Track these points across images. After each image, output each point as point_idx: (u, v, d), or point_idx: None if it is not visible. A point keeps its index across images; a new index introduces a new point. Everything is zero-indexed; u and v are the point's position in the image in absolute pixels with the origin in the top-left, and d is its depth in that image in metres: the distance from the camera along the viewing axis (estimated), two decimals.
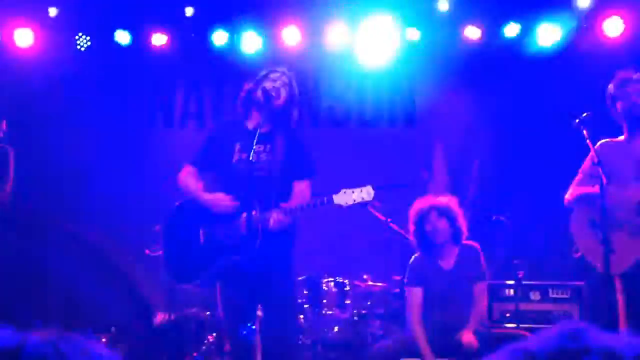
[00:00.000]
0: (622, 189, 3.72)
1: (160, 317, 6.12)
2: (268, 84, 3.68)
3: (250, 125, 3.72)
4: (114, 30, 6.90)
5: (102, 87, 7.27)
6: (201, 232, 3.65)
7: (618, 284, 3.58)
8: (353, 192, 3.43)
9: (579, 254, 3.91)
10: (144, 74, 7.29)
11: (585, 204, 3.83)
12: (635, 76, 3.81)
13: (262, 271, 3.52)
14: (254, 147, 3.55)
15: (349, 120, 7.22)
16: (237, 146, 3.60)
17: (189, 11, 6.73)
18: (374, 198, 3.44)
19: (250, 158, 3.53)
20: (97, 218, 7.12)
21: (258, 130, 3.57)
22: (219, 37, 6.88)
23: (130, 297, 6.99)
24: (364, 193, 3.43)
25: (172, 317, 5.76)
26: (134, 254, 6.90)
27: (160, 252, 3.94)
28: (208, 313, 5.79)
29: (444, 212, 4.23)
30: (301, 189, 3.59)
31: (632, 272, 3.60)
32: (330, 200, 3.42)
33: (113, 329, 5.98)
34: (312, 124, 7.14)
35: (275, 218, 3.41)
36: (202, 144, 3.84)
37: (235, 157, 3.54)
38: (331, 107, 7.23)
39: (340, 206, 3.42)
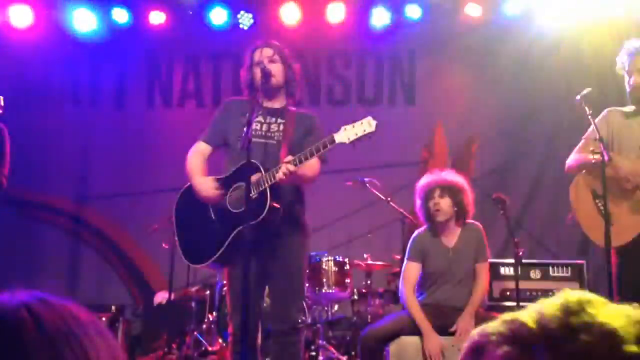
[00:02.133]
0: (630, 160, 3.66)
1: (160, 297, 6.14)
2: (265, 62, 3.63)
3: (260, 101, 3.65)
4: (111, 8, 6.85)
5: (99, 66, 7.23)
6: (210, 207, 3.60)
7: (614, 258, 3.55)
8: (353, 126, 3.27)
9: (571, 219, 3.85)
10: (141, 52, 7.24)
11: (587, 172, 3.77)
12: None
13: (272, 240, 3.48)
14: (266, 121, 3.59)
15: (349, 99, 7.18)
16: (249, 120, 3.38)
17: None
18: (375, 129, 3.24)
19: (263, 131, 3.54)
20: (97, 199, 7.13)
21: (265, 106, 3.61)
22: (218, 15, 6.83)
23: (130, 277, 7.01)
24: (365, 124, 3.26)
25: (173, 296, 5.77)
26: (134, 234, 6.92)
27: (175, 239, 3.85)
28: (208, 292, 5.80)
29: (448, 190, 4.19)
30: (311, 163, 3.44)
31: (630, 247, 3.57)
32: (333, 140, 3.28)
33: (113, 308, 5.99)
34: (311, 102, 7.10)
35: (284, 169, 3.30)
36: (213, 120, 3.79)
37: (248, 131, 3.33)
38: (331, 86, 7.19)
39: (343, 144, 3.26)
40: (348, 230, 6.32)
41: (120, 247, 7.06)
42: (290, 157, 3.35)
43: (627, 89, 3.76)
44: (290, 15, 6.77)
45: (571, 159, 3.86)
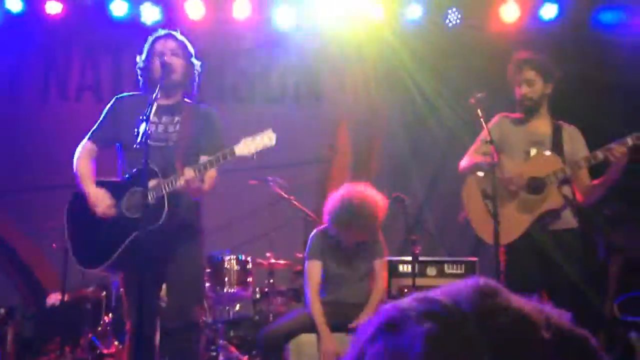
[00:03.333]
0: (515, 163, 3.89)
1: (53, 298, 5.89)
2: (166, 55, 3.53)
3: (154, 97, 3.39)
4: None
5: None
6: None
7: (502, 255, 3.74)
8: (254, 139, 3.28)
9: (463, 218, 4.04)
10: (37, 43, 6.92)
11: (475, 174, 3.98)
12: (530, 60, 3.94)
13: (169, 246, 3.43)
14: (162, 121, 3.48)
15: (254, 96, 7.14)
16: (142, 119, 3.25)
17: None
18: (275, 143, 3.29)
19: (157, 130, 3.45)
20: None
21: (161, 103, 3.47)
22: (118, 7, 6.62)
23: (21, 277, 6.69)
24: (266, 139, 3.28)
25: (66, 297, 5.55)
26: (25, 231, 6.61)
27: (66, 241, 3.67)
28: (104, 293, 5.62)
29: (369, 227, 4.21)
30: (209, 173, 3.43)
31: (516, 245, 3.79)
32: (233, 152, 3.27)
33: (2, 310, 5.70)
34: (216, 99, 7.01)
35: (186, 176, 3.25)
36: (102, 118, 3.63)
37: (141, 130, 3.22)
38: (236, 83, 7.13)
39: (244, 157, 3.27)
40: (250, 229, 6.28)
41: (9, 245, 6.71)
42: (190, 173, 3.27)
43: (516, 97, 3.99)
44: (195, 10, 6.65)
45: (464, 161, 4.04)
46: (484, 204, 3.86)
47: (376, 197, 4.16)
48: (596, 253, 5.64)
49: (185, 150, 3.45)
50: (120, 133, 3.52)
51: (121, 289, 3.62)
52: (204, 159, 3.43)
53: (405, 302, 0.79)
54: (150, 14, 6.64)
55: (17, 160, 6.74)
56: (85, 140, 3.63)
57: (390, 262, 4.83)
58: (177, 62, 3.55)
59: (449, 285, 0.81)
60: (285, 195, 5.44)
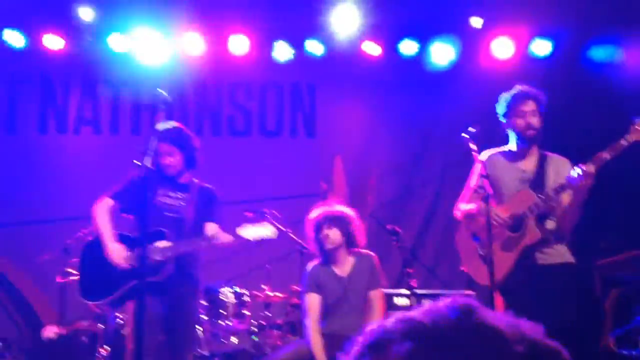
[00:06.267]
0: (498, 203, 3.95)
1: (49, 331, 5.86)
2: (161, 157, 4.11)
3: (168, 173, 4.23)
4: (2, 30, 6.62)
5: None
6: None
7: (498, 296, 3.75)
8: (257, 228, 3.96)
9: (464, 267, 4.10)
10: (36, 76, 7.01)
11: (468, 220, 4.05)
12: (533, 94, 4.00)
13: (167, 292, 4.07)
14: (176, 195, 4.24)
15: (250, 130, 7.22)
16: (159, 191, 4.17)
17: (87, 15, 6.53)
18: (276, 237, 4.01)
19: (170, 202, 4.20)
20: None
21: (176, 180, 4.27)
22: (117, 42, 6.72)
23: (17, 310, 6.66)
24: (268, 231, 3.96)
25: (63, 330, 5.53)
26: (22, 265, 6.61)
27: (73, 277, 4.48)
28: (101, 326, 5.60)
29: (336, 221, 4.34)
30: (212, 227, 4.25)
31: (505, 283, 3.80)
32: (237, 235, 4.01)
33: None
34: (213, 132, 7.09)
35: (211, 232, 4.22)
36: (125, 183, 4.23)
37: (157, 200, 4.13)
38: (232, 117, 7.21)
39: (247, 240, 3.96)
40: (247, 261, 6.30)
41: (6, 278, 6.70)
42: (213, 229, 4.22)
43: (514, 130, 4.02)
44: (193, 45, 6.76)
45: (459, 209, 4.11)
46: (473, 245, 3.93)
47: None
48: (592, 286, 5.66)
49: (194, 223, 4.21)
50: (138, 198, 3.97)
51: (117, 322, 4.14)
52: (209, 225, 4.26)
53: (389, 322, 0.85)
54: (148, 49, 6.73)
55: (14, 194, 6.76)
56: (105, 197, 4.23)
57: (386, 294, 4.85)
58: (173, 161, 4.18)
59: (429, 305, 0.87)
60: (282, 228, 5.46)
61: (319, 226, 4.35)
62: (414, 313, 0.85)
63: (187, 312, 4.20)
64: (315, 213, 4.45)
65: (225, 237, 4.05)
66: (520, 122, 3.98)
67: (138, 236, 4.04)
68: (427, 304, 0.89)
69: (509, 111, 4.01)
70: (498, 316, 0.84)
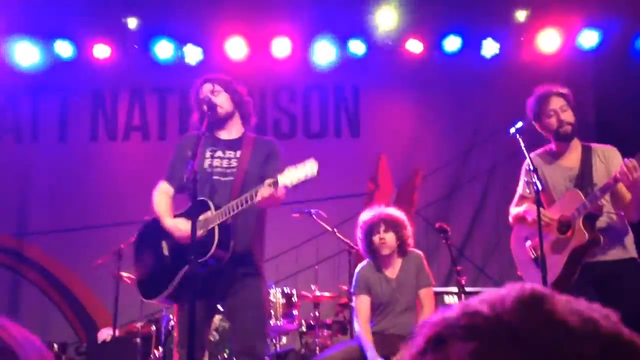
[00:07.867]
0: (548, 205, 3.87)
1: (104, 333, 6.01)
2: (206, 97, 3.64)
3: (216, 134, 3.68)
4: (54, 41, 6.81)
5: (41, 100, 7.15)
6: (164, 243, 3.59)
7: None
8: (297, 168, 3.23)
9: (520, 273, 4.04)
10: (85, 85, 7.19)
11: (520, 223, 3.99)
12: (556, 91, 3.92)
13: (223, 280, 3.48)
14: (225, 155, 3.62)
15: (295, 133, 7.26)
16: (207, 153, 3.59)
17: (132, 23, 6.68)
18: (317, 174, 3.21)
19: (219, 164, 3.59)
20: (39, 234, 6.97)
21: (223, 138, 3.67)
22: (163, 49, 6.85)
23: (73, 313, 6.84)
24: (308, 168, 3.22)
25: (117, 332, 5.65)
26: (77, 269, 6.79)
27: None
28: (154, 328, 5.71)
29: (392, 225, 4.28)
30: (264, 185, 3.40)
31: (561, 285, 3.72)
32: (276, 182, 3.24)
33: (55, 346, 5.83)
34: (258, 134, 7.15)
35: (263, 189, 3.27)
36: (171, 158, 3.78)
37: (206, 163, 3.54)
38: (277, 120, 7.27)
39: (286, 187, 3.23)
40: (295, 262, 6.34)
41: (62, 283, 6.89)
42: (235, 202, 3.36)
43: (551, 128, 3.92)
44: (236, 49, 6.84)
45: (511, 214, 4.05)
46: (527, 250, 3.88)
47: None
48: None
49: (244, 183, 3.53)
50: (182, 172, 3.50)
51: (171, 324, 3.66)
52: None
53: (451, 314, 0.79)
54: (193, 55, 6.85)
55: (67, 200, 6.95)
56: (161, 181, 3.75)
57: (435, 293, 4.81)
58: (220, 98, 3.68)
59: (493, 293, 0.80)
60: (329, 228, 5.48)
61: (372, 228, 4.29)
62: (478, 301, 0.79)
63: (249, 295, 3.50)
64: (368, 215, 4.38)
65: (266, 191, 3.25)
66: (552, 121, 3.90)
67: (188, 209, 3.50)
68: (491, 291, 0.82)
69: (538, 114, 3.94)
70: (571, 307, 0.77)
